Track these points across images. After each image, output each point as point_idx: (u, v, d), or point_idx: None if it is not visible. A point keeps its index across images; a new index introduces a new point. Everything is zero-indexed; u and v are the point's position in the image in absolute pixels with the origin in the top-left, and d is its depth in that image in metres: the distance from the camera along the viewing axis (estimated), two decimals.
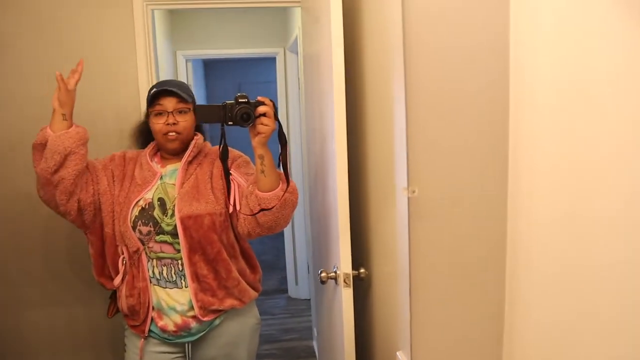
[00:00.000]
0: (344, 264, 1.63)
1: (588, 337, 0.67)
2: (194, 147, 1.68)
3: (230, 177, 1.64)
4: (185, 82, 4.42)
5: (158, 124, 1.65)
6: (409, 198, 0.82)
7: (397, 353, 1.48)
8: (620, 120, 0.60)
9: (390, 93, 1.44)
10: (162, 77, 3.56)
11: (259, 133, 1.50)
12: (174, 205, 1.61)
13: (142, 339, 1.68)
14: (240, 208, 1.61)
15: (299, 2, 2.43)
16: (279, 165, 1.57)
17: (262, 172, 1.53)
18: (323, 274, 1.71)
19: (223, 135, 1.55)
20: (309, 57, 2.32)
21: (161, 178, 1.68)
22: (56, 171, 1.54)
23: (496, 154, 0.78)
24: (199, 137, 1.72)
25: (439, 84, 0.95)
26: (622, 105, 0.60)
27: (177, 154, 1.69)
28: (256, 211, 1.55)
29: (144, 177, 1.67)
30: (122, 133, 2.05)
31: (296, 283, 4.28)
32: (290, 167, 4.07)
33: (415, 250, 0.88)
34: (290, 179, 1.58)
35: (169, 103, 1.64)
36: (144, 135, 1.78)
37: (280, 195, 1.54)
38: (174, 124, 1.64)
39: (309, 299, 3.97)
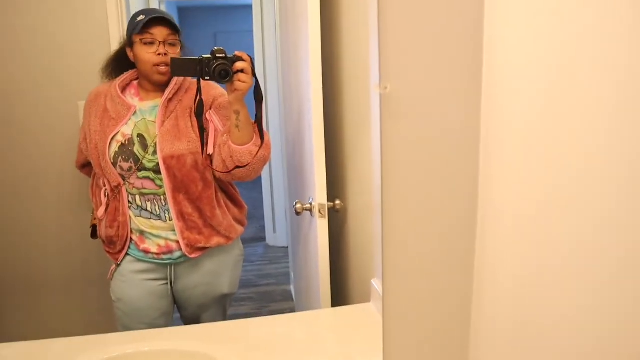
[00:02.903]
0: (319, 194, 1.63)
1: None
2: (174, 84, 1.64)
3: (209, 117, 1.63)
4: None
5: (148, 54, 1.59)
6: (381, 95, 0.80)
7: (372, 281, 1.50)
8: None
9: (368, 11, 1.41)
10: None
11: (236, 90, 1.48)
12: (155, 144, 1.59)
13: (114, 266, 1.73)
14: (212, 154, 1.60)
15: None
16: (255, 122, 1.56)
17: (237, 126, 1.52)
18: (298, 205, 1.71)
19: (199, 90, 1.52)
20: None
21: (135, 113, 1.64)
22: None
23: (471, 50, 0.76)
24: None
25: None
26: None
27: (160, 86, 1.65)
28: (231, 167, 1.55)
29: (117, 111, 1.64)
30: (90, 72, 1.96)
31: (274, 231, 4.30)
32: (267, 120, 4.03)
33: (388, 152, 0.87)
34: (264, 135, 1.57)
35: (160, 33, 1.59)
36: (121, 65, 1.72)
37: (253, 151, 1.54)
38: (165, 54, 1.59)
39: (287, 247, 4.01)
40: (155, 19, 1.58)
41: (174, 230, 1.65)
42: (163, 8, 4.35)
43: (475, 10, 0.75)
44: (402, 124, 0.89)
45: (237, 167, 1.55)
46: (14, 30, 2.18)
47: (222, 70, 1.45)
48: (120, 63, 1.71)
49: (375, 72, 1.05)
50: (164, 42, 1.59)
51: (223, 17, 6.69)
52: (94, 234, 1.79)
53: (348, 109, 1.69)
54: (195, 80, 1.69)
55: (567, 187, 0.68)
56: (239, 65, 1.46)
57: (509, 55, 0.73)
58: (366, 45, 1.43)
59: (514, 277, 0.85)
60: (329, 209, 1.65)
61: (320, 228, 1.64)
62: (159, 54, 1.59)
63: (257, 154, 1.55)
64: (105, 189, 1.68)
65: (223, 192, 1.73)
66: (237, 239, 1.82)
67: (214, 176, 1.68)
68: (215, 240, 1.69)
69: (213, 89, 1.69)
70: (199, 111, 1.53)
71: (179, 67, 1.49)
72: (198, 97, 1.52)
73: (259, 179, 4.29)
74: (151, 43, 1.59)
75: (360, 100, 1.55)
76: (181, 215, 1.63)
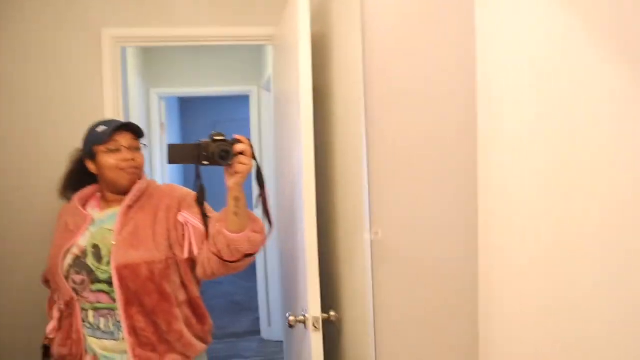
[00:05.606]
0: (312, 307, 1.57)
1: None
2: (137, 191, 1.59)
3: (182, 220, 1.55)
4: (159, 120, 4.38)
5: (115, 160, 1.56)
6: (372, 241, 0.78)
7: None
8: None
9: (359, 130, 1.42)
10: (134, 115, 3.52)
11: (236, 172, 1.42)
12: (110, 253, 1.51)
13: None
14: (203, 251, 1.51)
15: (270, 39, 2.43)
16: (254, 207, 1.50)
17: (235, 214, 1.44)
18: (291, 318, 1.64)
19: (198, 176, 1.47)
20: (279, 93, 2.31)
21: (93, 223, 1.58)
22: None
23: (464, 195, 0.75)
24: (142, 181, 1.62)
25: (402, 121, 0.92)
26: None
27: (123, 194, 1.60)
28: (228, 257, 1.46)
29: (75, 223, 1.59)
30: None
31: (269, 324, 4.16)
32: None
33: (380, 295, 0.84)
34: (256, 219, 1.50)
35: (124, 139, 1.57)
36: (79, 181, 1.67)
37: (251, 238, 1.47)
38: (132, 159, 1.57)
39: (283, 341, 3.86)
40: (118, 127, 1.56)
41: (127, 353, 1.52)
42: (162, 103, 4.46)
43: (468, 154, 0.75)
44: (392, 269, 0.87)
45: (247, 255, 1.47)
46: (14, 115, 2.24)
47: (222, 150, 1.40)
48: (78, 179, 1.67)
49: (365, 217, 1.03)
50: (129, 148, 1.57)
51: (223, 107, 6.85)
52: (46, 355, 1.65)
53: (341, 217, 1.67)
54: (159, 185, 1.68)
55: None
56: (238, 147, 1.41)
57: (504, 206, 0.73)
58: (358, 157, 1.44)
59: None
60: (323, 320, 1.59)
61: (314, 342, 1.56)
62: (126, 160, 1.56)
63: (258, 240, 1.48)
64: (60, 304, 1.59)
65: (187, 304, 1.61)
66: (201, 357, 1.67)
67: (183, 286, 1.58)
68: (171, 357, 1.55)
69: (177, 190, 1.63)
70: (201, 198, 1.49)
71: (176, 154, 1.43)
72: (199, 184, 1.47)
73: (254, 268, 4.20)
74: (117, 150, 1.56)
75: (354, 209, 1.53)
76: (133, 331, 1.51)
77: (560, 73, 0.61)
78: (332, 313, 1.67)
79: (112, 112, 2.33)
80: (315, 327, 1.57)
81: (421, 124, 0.87)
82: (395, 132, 0.95)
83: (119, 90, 2.38)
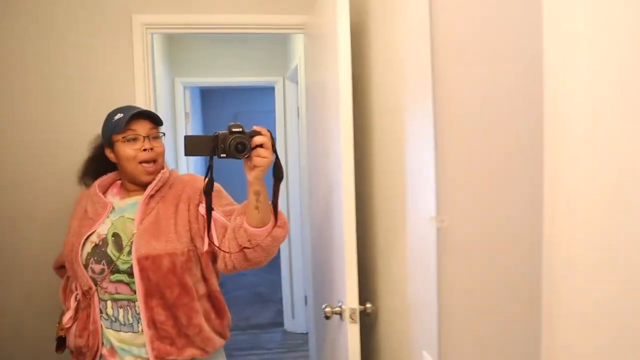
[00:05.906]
0: (350, 298, 1.55)
1: None
2: (158, 180, 1.54)
3: (202, 211, 1.51)
4: (184, 109, 4.38)
5: (132, 150, 1.51)
6: (438, 229, 0.75)
7: None
8: None
9: (402, 119, 1.38)
10: (160, 104, 3.52)
11: (255, 166, 1.35)
12: (131, 243, 1.48)
13: None
14: (224, 244, 1.47)
15: (301, 27, 2.40)
16: (272, 201, 1.44)
17: (257, 208, 1.39)
18: (327, 309, 1.62)
19: (211, 167, 1.41)
20: (313, 84, 2.28)
21: (113, 211, 1.55)
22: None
23: (532, 177, 0.71)
24: (165, 170, 1.58)
25: (470, 100, 0.89)
26: None
27: (144, 185, 1.56)
28: (249, 253, 1.42)
29: (95, 211, 1.55)
30: None
31: (293, 316, 4.15)
32: (288, 200, 4.00)
33: (443, 287, 0.81)
34: (278, 213, 1.45)
35: (142, 127, 1.52)
36: (98, 169, 1.64)
37: (270, 231, 1.42)
38: (151, 149, 1.52)
39: (306, 333, 3.85)
40: (135, 115, 1.51)
41: (145, 346, 1.49)
42: (187, 92, 4.45)
43: (535, 149, 0.71)
44: (459, 259, 0.84)
45: (246, 247, 1.42)
46: (44, 99, 2.23)
47: (238, 143, 1.33)
48: (98, 166, 1.63)
49: (428, 203, 1.00)
50: (147, 137, 1.52)
51: (245, 98, 6.83)
52: (60, 345, 1.61)
53: (380, 207, 1.64)
54: (180, 175, 1.64)
55: None
56: (257, 139, 1.34)
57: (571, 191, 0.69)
58: (399, 147, 1.40)
59: None
60: (359, 312, 1.56)
61: (351, 335, 1.54)
62: (145, 150, 1.51)
63: (280, 235, 1.43)
64: (77, 294, 1.55)
65: (207, 297, 1.58)
66: (219, 352, 1.63)
67: (203, 278, 1.55)
68: (189, 352, 1.51)
69: (198, 181, 1.58)
70: (208, 189, 1.41)
71: (193, 146, 1.37)
72: (209, 175, 1.41)
73: (278, 260, 4.18)
74: (134, 139, 1.51)
75: (395, 198, 1.50)
76: (152, 323, 1.47)
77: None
78: (368, 305, 1.64)
79: (144, 100, 2.32)
80: (352, 318, 1.54)
81: (488, 101, 0.84)
82: (461, 112, 0.92)
83: (150, 79, 2.37)
